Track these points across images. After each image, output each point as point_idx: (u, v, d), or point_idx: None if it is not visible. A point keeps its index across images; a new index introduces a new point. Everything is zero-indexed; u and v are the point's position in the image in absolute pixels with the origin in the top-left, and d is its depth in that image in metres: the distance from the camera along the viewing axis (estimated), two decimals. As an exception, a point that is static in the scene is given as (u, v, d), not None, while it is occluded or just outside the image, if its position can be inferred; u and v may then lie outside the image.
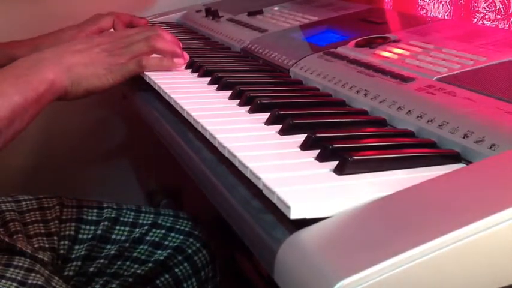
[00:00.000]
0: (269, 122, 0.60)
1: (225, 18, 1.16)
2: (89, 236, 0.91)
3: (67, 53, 0.76)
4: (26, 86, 0.69)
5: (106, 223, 0.93)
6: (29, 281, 0.72)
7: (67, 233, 0.90)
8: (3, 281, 0.70)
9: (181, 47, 0.86)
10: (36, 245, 0.84)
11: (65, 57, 0.75)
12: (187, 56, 0.86)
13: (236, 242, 0.57)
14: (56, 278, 0.76)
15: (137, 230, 0.93)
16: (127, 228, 0.93)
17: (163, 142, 0.70)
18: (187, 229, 0.94)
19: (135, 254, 0.90)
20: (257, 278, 1.18)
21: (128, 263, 0.90)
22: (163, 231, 0.93)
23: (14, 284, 0.70)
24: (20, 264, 0.74)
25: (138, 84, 0.85)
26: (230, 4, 1.25)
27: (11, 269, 0.72)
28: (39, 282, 0.72)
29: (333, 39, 0.87)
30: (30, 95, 0.68)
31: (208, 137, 0.58)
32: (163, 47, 0.82)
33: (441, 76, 0.63)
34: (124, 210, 0.95)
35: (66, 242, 0.89)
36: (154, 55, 0.82)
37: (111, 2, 1.32)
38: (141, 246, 0.91)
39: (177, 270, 0.89)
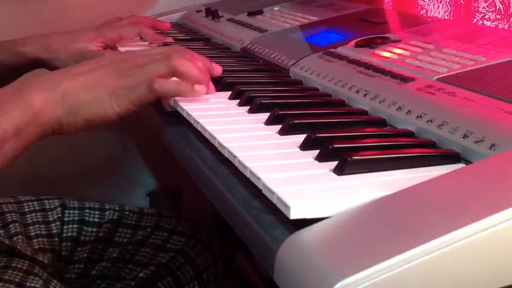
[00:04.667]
0: (269, 122, 0.60)
1: (225, 18, 1.16)
2: (92, 238, 0.91)
3: (66, 77, 0.63)
4: (1, 115, 0.57)
5: (108, 225, 0.92)
6: (27, 284, 0.71)
7: (69, 234, 0.90)
8: (1, 283, 0.70)
9: (210, 75, 0.71)
10: (36, 247, 0.84)
11: (63, 82, 0.62)
12: (213, 88, 0.71)
13: (236, 242, 0.58)
14: (55, 281, 0.76)
15: (140, 232, 0.93)
16: (129, 231, 0.93)
17: (164, 142, 0.70)
18: (189, 232, 0.94)
19: (137, 257, 0.90)
20: (257, 278, 1.18)
21: (130, 265, 0.90)
22: (165, 234, 0.93)
23: (12, 287, 0.70)
24: (19, 266, 0.74)
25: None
26: (230, 4, 1.25)
27: (10, 271, 0.72)
28: (38, 285, 0.72)
29: (332, 39, 0.87)
30: (5, 127, 0.57)
31: (208, 137, 0.58)
32: (186, 70, 0.66)
33: (441, 76, 0.63)
34: (126, 212, 0.95)
35: (69, 244, 0.89)
36: (173, 78, 0.67)
37: (112, 2, 1.32)
38: (144, 249, 0.91)
39: (179, 273, 0.88)
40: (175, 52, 0.67)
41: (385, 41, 0.78)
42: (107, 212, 0.94)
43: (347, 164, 0.46)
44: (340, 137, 0.54)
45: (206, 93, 0.69)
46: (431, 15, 1.06)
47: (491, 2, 0.92)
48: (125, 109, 0.63)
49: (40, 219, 0.89)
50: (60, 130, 0.62)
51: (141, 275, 0.88)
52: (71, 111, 0.61)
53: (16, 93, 0.60)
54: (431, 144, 0.53)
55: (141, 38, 1.04)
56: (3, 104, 0.58)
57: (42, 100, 0.60)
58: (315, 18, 1.01)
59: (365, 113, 0.63)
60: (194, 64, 0.67)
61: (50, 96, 0.60)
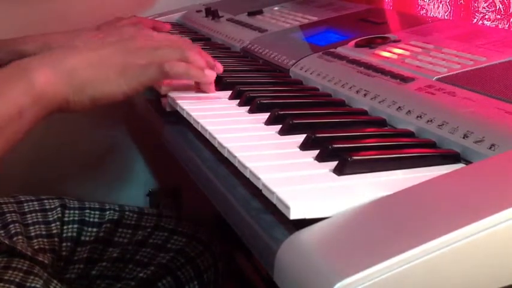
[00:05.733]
0: (269, 122, 0.60)
1: (225, 18, 1.16)
2: (92, 238, 0.91)
3: (71, 54, 0.61)
4: (3, 95, 0.55)
5: (108, 225, 0.92)
6: (28, 284, 0.71)
7: (69, 234, 0.90)
8: (1, 283, 0.70)
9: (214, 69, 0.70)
10: (36, 247, 0.84)
11: (67, 59, 0.60)
12: (213, 87, 0.72)
13: (236, 242, 0.58)
14: (55, 281, 0.76)
15: (140, 232, 0.93)
16: (129, 231, 0.93)
17: (164, 142, 0.70)
18: (189, 232, 0.94)
19: (137, 257, 0.90)
20: (257, 278, 1.18)
21: (130, 266, 0.89)
22: (165, 234, 0.93)
23: (12, 287, 0.70)
24: (19, 266, 0.74)
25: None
26: (230, 4, 1.25)
27: (10, 271, 0.72)
28: (38, 285, 0.72)
29: (332, 39, 0.87)
30: (8, 107, 0.55)
31: (208, 137, 0.58)
32: (197, 59, 0.66)
33: (441, 76, 0.63)
34: (126, 212, 0.94)
35: (69, 244, 0.89)
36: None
37: (112, 2, 1.32)
38: (144, 249, 0.91)
39: (179, 273, 0.88)
40: (185, 43, 0.67)
41: (385, 41, 0.78)
42: (107, 212, 0.94)
43: (347, 164, 0.46)
44: (340, 137, 0.54)
45: (207, 92, 0.69)
46: (431, 15, 1.06)
47: (491, 2, 0.92)
48: (133, 88, 0.62)
49: (40, 219, 0.89)
50: (66, 108, 0.60)
51: (141, 275, 0.88)
52: (77, 89, 0.59)
53: (18, 72, 0.57)
54: (431, 144, 0.53)
55: None
56: (6, 83, 0.56)
57: (47, 78, 0.57)
58: (315, 18, 1.01)
59: (365, 113, 0.63)
60: (202, 57, 0.67)
61: (55, 74, 0.58)
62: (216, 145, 0.55)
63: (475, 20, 0.95)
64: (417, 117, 0.57)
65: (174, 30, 1.20)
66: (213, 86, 0.70)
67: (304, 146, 0.52)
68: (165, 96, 0.71)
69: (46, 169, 1.37)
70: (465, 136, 0.51)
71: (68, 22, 1.06)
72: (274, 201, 0.42)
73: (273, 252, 0.39)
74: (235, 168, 0.50)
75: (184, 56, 0.65)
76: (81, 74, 0.60)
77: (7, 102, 0.55)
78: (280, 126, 0.58)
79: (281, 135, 0.57)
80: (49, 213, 0.91)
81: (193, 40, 1.10)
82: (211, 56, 0.72)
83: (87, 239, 0.91)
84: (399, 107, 0.59)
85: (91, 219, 0.92)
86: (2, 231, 0.83)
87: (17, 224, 0.85)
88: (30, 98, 0.56)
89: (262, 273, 1.15)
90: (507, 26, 0.90)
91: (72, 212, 0.92)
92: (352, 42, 0.81)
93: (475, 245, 0.36)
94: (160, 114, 0.74)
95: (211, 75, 0.67)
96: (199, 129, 0.60)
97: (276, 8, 1.15)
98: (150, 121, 0.79)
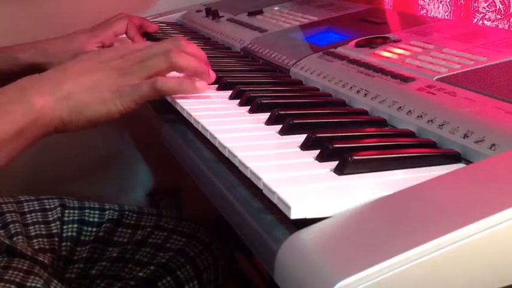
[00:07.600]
0: (269, 122, 0.60)
1: (225, 18, 1.16)
2: (91, 238, 0.91)
3: (68, 78, 0.63)
4: (2, 116, 0.58)
5: (108, 225, 0.92)
6: (28, 284, 0.71)
7: (69, 234, 0.90)
8: (2, 283, 0.70)
9: (208, 63, 0.71)
10: (36, 247, 0.84)
11: (64, 83, 0.62)
12: (213, 75, 0.71)
13: (236, 241, 0.58)
14: (55, 281, 0.76)
15: (139, 232, 0.93)
16: (129, 231, 0.93)
17: (163, 142, 0.70)
18: (189, 231, 0.94)
19: (137, 257, 0.90)
20: (257, 278, 1.18)
21: (130, 265, 0.90)
22: (165, 234, 0.93)
23: (13, 287, 0.70)
24: (19, 266, 0.74)
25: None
26: (230, 4, 1.25)
27: (10, 271, 0.72)
28: (38, 285, 0.72)
29: (333, 39, 0.87)
30: (7, 128, 0.57)
31: (208, 137, 0.58)
32: (185, 64, 0.66)
33: (441, 76, 0.63)
34: (126, 212, 0.95)
35: (69, 244, 0.89)
36: (173, 73, 0.68)
37: (112, 2, 1.32)
38: (143, 249, 0.91)
39: (179, 272, 0.88)
40: (173, 46, 0.67)
41: (385, 41, 0.78)
42: (107, 212, 0.94)
43: (347, 164, 0.46)
44: (341, 137, 0.54)
45: (208, 82, 0.69)
46: (432, 15, 1.06)
47: (491, 2, 0.93)
48: (128, 107, 0.64)
49: (40, 219, 0.89)
50: (63, 129, 0.63)
51: (140, 274, 0.88)
52: (74, 111, 0.62)
53: (18, 94, 0.60)
54: (432, 144, 0.53)
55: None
56: (5, 105, 0.58)
57: (45, 101, 0.60)
58: (315, 18, 1.01)
59: (365, 113, 0.63)
60: (192, 55, 0.67)
61: (53, 98, 0.61)
62: (217, 145, 0.55)
63: (475, 20, 0.95)
64: (418, 117, 0.57)
65: (174, 30, 1.20)
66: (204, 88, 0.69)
67: (304, 146, 0.52)
68: None
69: (46, 169, 1.37)
70: (465, 136, 0.51)
71: (69, 22, 1.06)
72: (275, 201, 0.42)
73: (274, 252, 0.39)
74: (236, 168, 0.50)
75: (172, 61, 0.65)
76: (77, 98, 0.62)
77: (8, 122, 0.57)
78: (281, 126, 0.58)
79: (281, 135, 0.57)
80: (49, 213, 0.91)
81: (193, 40, 1.10)
82: (212, 57, 0.72)
83: (87, 238, 0.91)
84: (400, 107, 0.59)
85: (91, 219, 0.92)
86: (2, 231, 0.83)
87: (17, 224, 0.85)
88: (29, 119, 0.59)
89: (263, 273, 1.15)
90: (507, 26, 0.90)
91: (71, 211, 0.93)
92: (353, 42, 0.81)
93: (475, 245, 0.36)
94: (160, 114, 0.74)
95: (202, 87, 0.68)
96: (200, 129, 0.60)
97: (276, 8, 1.15)
98: (150, 121, 0.79)
